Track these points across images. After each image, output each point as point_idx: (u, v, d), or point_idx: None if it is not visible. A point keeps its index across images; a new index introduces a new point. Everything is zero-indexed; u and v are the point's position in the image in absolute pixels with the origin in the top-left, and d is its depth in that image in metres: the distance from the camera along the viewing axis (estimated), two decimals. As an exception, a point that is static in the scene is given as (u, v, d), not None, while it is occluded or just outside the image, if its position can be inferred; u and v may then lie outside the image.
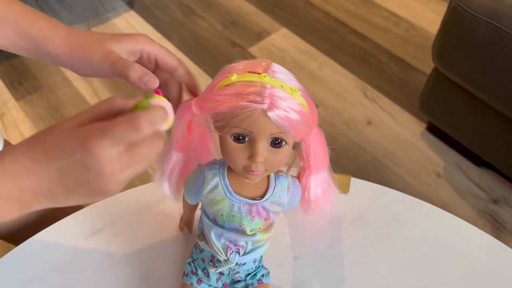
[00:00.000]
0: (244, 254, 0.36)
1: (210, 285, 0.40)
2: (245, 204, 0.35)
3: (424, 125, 1.22)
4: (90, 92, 1.35)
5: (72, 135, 0.28)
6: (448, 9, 0.91)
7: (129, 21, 1.57)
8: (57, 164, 0.27)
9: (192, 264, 0.40)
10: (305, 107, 0.31)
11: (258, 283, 0.39)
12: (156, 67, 0.39)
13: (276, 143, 0.31)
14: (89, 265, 0.44)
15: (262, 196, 0.35)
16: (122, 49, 0.37)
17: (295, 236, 0.47)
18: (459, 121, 1.05)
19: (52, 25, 0.39)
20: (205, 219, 0.37)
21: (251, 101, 0.29)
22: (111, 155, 0.27)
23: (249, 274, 0.40)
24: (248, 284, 0.39)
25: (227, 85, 0.31)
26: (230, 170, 0.35)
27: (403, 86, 1.34)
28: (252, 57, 1.43)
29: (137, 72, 0.35)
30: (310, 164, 0.37)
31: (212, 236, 0.35)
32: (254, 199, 0.35)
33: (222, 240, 0.36)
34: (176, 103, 0.38)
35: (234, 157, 0.32)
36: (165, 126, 0.30)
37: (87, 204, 0.51)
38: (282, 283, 0.43)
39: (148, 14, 1.60)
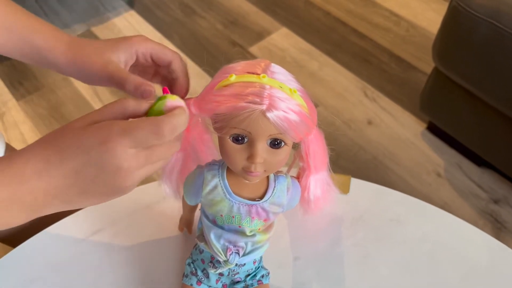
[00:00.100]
0: (244, 255, 0.36)
1: (210, 286, 0.40)
2: (245, 205, 0.35)
3: (425, 125, 1.22)
4: (91, 92, 1.35)
5: (88, 132, 0.27)
6: (449, 9, 0.90)
7: (129, 21, 1.57)
8: (72, 164, 0.27)
9: (191, 265, 0.40)
10: (304, 107, 0.31)
11: (258, 283, 0.39)
12: (154, 65, 0.40)
13: (275, 144, 0.31)
14: (89, 265, 0.44)
15: (261, 197, 0.35)
16: (119, 57, 0.38)
17: (295, 236, 0.47)
18: (459, 121, 1.05)
19: (55, 34, 0.40)
20: (204, 220, 0.37)
21: (250, 102, 0.29)
22: (129, 154, 0.27)
23: (249, 274, 0.39)
24: (248, 285, 0.39)
25: (226, 86, 0.31)
26: (229, 171, 0.35)
27: (403, 85, 1.33)
28: (252, 56, 1.43)
29: (132, 83, 0.35)
30: (309, 164, 0.37)
31: (212, 237, 0.35)
32: (254, 200, 0.35)
33: (222, 241, 0.35)
34: (184, 93, 0.39)
35: (233, 158, 0.32)
36: (184, 127, 0.29)
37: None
38: (282, 283, 0.43)
39: (149, 13, 1.60)
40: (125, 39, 0.39)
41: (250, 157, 0.31)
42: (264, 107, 0.29)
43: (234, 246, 0.35)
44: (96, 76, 0.38)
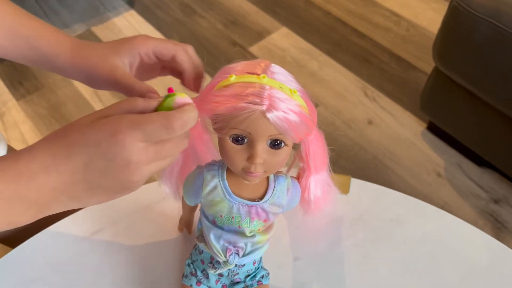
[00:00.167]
0: (244, 255, 0.36)
1: (210, 287, 0.40)
2: (244, 206, 0.35)
3: (425, 125, 1.22)
4: (90, 92, 1.35)
5: (97, 126, 0.27)
6: (449, 8, 0.90)
7: (129, 21, 1.57)
8: (80, 158, 0.27)
9: (191, 265, 0.40)
10: (304, 108, 0.31)
11: (257, 284, 0.39)
12: (159, 61, 0.40)
13: (275, 144, 0.31)
14: (89, 266, 0.44)
15: (261, 198, 0.35)
16: (123, 60, 0.38)
17: (295, 237, 0.47)
18: (459, 121, 1.05)
19: (59, 38, 0.40)
20: (204, 220, 0.37)
21: (250, 102, 0.29)
22: (139, 147, 0.27)
23: (248, 275, 0.39)
24: (247, 286, 0.39)
25: (226, 86, 0.31)
26: (229, 171, 0.35)
27: (403, 85, 1.33)
28: (252, 56, 1.42)
29: (138, 91, 0.35)
30: (309, 165, 0.37)
31: (211, 237, 0.35)
32: (254, 200, 0.35)
33: (221, 242, 0.35)
34: (197, 83, 0.40)
35: (233, 158, 0.32)
36: (194, 123, 0.30)
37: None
38: (282, 284, 0.43)
39: (149, 13, 1.60)
40: (126, 41, 0.39)
41: (250, 158, 0.31)
42: (264, 107, 0.29)
43: (234, 246, 0.35)
44: (102, 81, 0.38)
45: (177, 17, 1.59)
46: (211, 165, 0.35)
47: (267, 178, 0.36)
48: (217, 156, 0.37)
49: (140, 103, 0.29)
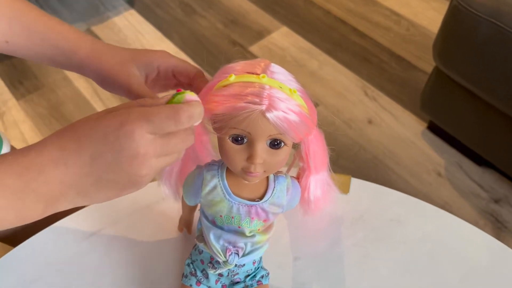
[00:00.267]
0: (243, 255, 0.36)
1: (209, 287, 0.40)
2: (244, 206, 0.35)
3: (425, 124, 1.22)
4: (91, 91, 1.35)
5: (106, 119, 0.27)
6: (450, 8, 0.90)
7: (129, 20, 1.57)
8: (88, 151, 0.27)
9: (191, 265, 0.40)
10: (304, 108, 0.31)
11: (257, 284, 0.39)
12: (176, 79, 0.41)
13: (275, 144, 0.31)
14: (89, 266, 0.44)
15: (261, 197, 0.35)
16: (141, 70, 0.39)
17: (295, 236, 0.47)
18: (460, 120, 1.05)
19: (79, 37, 0.40)
20: (204, 220, 0.37)
21: (249, 102, 0.29)
22: (146, 139, 0.27)
23: (248, 275, 0.39)
24: (247, 285, 0.39)
25: (225, 86, 0.31)
26: (229, 171, 0.34)
27: (404, 85, 1.33)
28: (252, 56, 1.42)
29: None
30: (309, 164, 0.37)
31: (211, 237, 0.35)
32: (253, 200, 0.35)
33: (221, 242, 0.35)
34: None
35: (232, 158, 0.32)
36: (199, 120, 0.30)
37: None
38: (282, 284, 0.43)
39: (149, 12, 1.60)
40: (147, 52, 0.40)
41: (250, 158, 0.31)
42: (263, 107, 0.29)
43: (234, 246, 0.35)
44: (116, 85, 0.38)
45: (177, 16, 1.59)
46: (210, 165, 0.35)
47: (267, 178, 0.35)
48: (217, 156, 0.37)
49: (149, 101, 0.29)
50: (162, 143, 0.28)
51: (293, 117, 0.30)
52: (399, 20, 1.53)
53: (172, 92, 0.31)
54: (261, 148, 0.31)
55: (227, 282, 0.40)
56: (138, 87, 0.37)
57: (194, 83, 0.40)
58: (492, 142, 1.00)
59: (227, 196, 0.34)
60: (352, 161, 1.15)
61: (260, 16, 1.57)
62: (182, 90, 0.30)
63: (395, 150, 1.17)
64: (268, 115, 0.29)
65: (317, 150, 0.36)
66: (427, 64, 1.37)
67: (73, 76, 1.40)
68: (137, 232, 0.47)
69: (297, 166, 0.39)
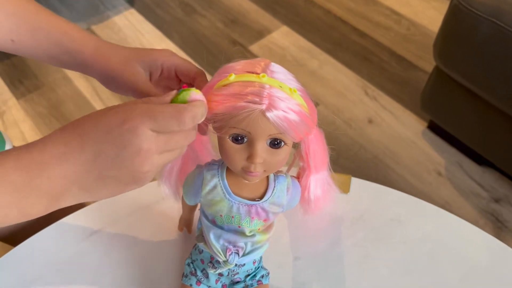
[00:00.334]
0: (244, 255, 0.36)
1: (209, 286, 0.39)
2: (244, 205, 0.34)
3: (425, 124, 1.22)
4: (91, 90, 1.35)
5: (110, 113, 0.28)
6: (450, 7, 0.90)
7: (129, 19, 1.57)
8: (91, 146, 0.27)
9: (191, 265, 0.40)
10: (304, 107, 0.31)
11: (257, 284, 0.39)
12: (178, 80, 0.41)
13: (275, 143, 0.31)
14: (89, 265, 0.44)
15: (261, 197, 0.35)
16: (145, 68, 0.39)
17: (295, 236, 0.47)
18: (460, 120, 1.05)
19: (83, 36, 0.40)
20: (204, 220, 0.37)
21: (249, 102, 0.29)
22: (149, 135, 0.27)
23: (248, 275, 0.39)
24: (247, 285, 0.39)
25: (225, 85, 0.31)
26: (229, 170, 0.34)
27: (404, 84, 1.33)
28: (252, 55, 1.42)
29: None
30: (309, 164, 0.37)
31: (211, 237, 0.35)
32: (253, 200, 0.35)
33: (221, 241, 0.35)
34: None
35: (232, 158, 0.32)
36: (202, 119, 0.30)
37: (88, 203, 0.51)
38: (282, 283, 0.43)
39: (149, 12, 1.60)
40: (151, 51, 0.40)
41: (250, 157, 0.31)
42: (263, 106, 0.29)
43: (234, 246, 0.35)
44: (121, 84, 0.39)
45: (177, 16, 1.59)
46: (210, 164, 0.35)
47: (267, 177, 0.35)
48: (216, 155, 0.37)
49: (154, 99, 0.29)
50: (165, 140, 0.28)
51: (293, 116, 0.30)
52: (399, 20, 1.53)
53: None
54: (261, 147, 0.31)
55: (227, 282, 0.40)
56: (144, 86, 0.37)
57: (194, 83, 0.40)
58: (492, 142, 1.00)
59: (227, 196, 0.34)
60: (352, 160, 1.15)
61: (260, 16, 1.57)
62: (188, 87, 0.30)
63: (396, 150, 1.17)
64: (268, 114, 0.29)
65: (317, 149, 0.36)
66: (428, 63, 1.37)
67: (73, 75, 1.40)
68: (137, 232, 0.47)
69: (297, 165, 0.39)
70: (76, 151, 0.27)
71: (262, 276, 0.40)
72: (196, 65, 0.41)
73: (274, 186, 0.35)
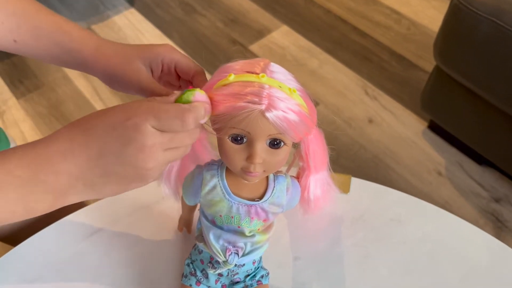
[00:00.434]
0: (243, 255, 0.36)
1: (209, 286, 0.39)
2: (244, 205, 0.34)
3: (426, 124, 1.22)
4: (91, 90, 1.35)
5: (115, 110, 0.28)
6: (450, 7, 0.90)
7: (129, 19, 1.57)
8: (96, 142, 0.27)
9: (191, 265, 0.40)
10: (304, 107, 0.31)
11: (257, 284, 0.39)
12: (178, 77, 0.41)
13: (275, 144, 0.31)
14: (89, 265, 0.44)
15: (261, 197, 0.35)
16: (146, 64, 0.39)
17: (295, 236, 0.47)
18: (460, 120, 1.05)
19: (84, 35, 0.40)
20: (203, 220, 0.36)
21: (249, 102, 0.29)
22: (153, 132, 0.27)
23: (248, 275, 0.39)
24: (247, 285, 0.39)
25: (224, 85, 0.31)
26: (228, 171, 0.34)
27: (404, 84, 1.33)
28: (252, 55, 1.42)
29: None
30: (309, 164, 0.37)
31: (211, 237, 0.35)
32: (253, 200, 0.35)
33: (221, 242, 0.35)
34: None
35: (232, 158, 0.31)
36: (206, 119, 0.30)
37: (89, 203, 0.51)
38: (282, 283, 0.43)
39: (149, 11, 1.60)
40: (152, 47, 0.40)
41: (249, 157, 0.31)
42: (263, 107, 0.29)
43: (233, 246, 0.35)
44: (124, 83, 0.38)
45: (177, 15, 1.58)
46: (210, 164, 0.35)
47: (267, 177, 0.35)
48: (216, 156, 0.37)
49: (158, 99, 0.29)
50: (169, 137, 0.28)
51: (292, 116, 0.30)
52: (399, 19, 1.53)
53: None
54: (261, 147, 0.31)
55: (227, 282, 0.40)
56: (147, 83, 0.37)
57: (193, 81, 0.39)
58: (492, 141, 1.00)
59: (227, 196, 0.34)
60: (352, 160, 1.15)
61: (260, 15, 1.57)
62: (192, 87, 0.30)
63: (396, 150, 1.17)
64: (268, 114, 0.29)
65: (317, 149, 0.36)
66: (428, 63, 1.37)
67: (73, 75, 1.40)
68: (137, 232, 0.47)
69: (297, 165, 0.39)
70: (81, 147, 0.27)
71: (262, 276, 0.40)
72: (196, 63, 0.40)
73: (274, 186, 0.35)
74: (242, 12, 1.59)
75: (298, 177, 0.39)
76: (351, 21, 1.53)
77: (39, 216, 0.56)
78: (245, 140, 0.31)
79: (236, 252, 0.35)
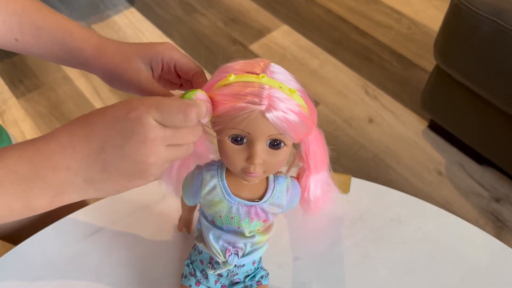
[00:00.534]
0: (243, 256, 0.36)
1: (209, 287, 0.39)
2: (244, 206, 0.34)
3: (426, 123, 1.22)
4: (90, 89, 1.35)
5: (117, 105, 0.28)
6: (451, 6, 0.90)
7: (129, 18, 1.57)
8: (97, 137, 0.27)
9: (190, 265, 0.40)
10: (304, 108, 0.31)
11: (257, 284, 0.39)
12: (178, 76, 0.41)
13: (275, 144, 0.31)
14: (89, 265, 0.44)
15: (261, 198, 0.35)
16: (146, 63, 0.39)
17: (295, 236, 0.47)
18: (461, 119, 1.05)
19: (85, 34, 0.40)
20: (203, 220, 0.36)
21: (249, 102, 0.29)
22: (155, 125, 0.27)
23: (248, 275, 0.39)
24: (247, 286, 0.39)
25: (225, 86, 0.31)
26: (228, 171, 0.34)
27: (404, 83, 1.33)
28: (253, 54, 1.42)
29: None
30: (309, 165, 0.37)
31: (211, 237, 0.35)
32: (253, 200, 0.35)
33: (221, 242, 0.35)
34: None
35: (232, 158, 0.31)
36: (207, 119, 0.30)
37: (89, 203, 0.51)
38: (282, 284, 0.43)
39: (149, 11, 1.60)
40: (152, 45, 0.39)
41: (249, 158, 0.31)
42: (263, 107, 0.29)
43: (233, 247, 0.35)
44: (124, 82, 0.38)
45: (177, 15, 1.58)
46: (210, 165, 0.35)
47: (267, 178, 0.35)
48: (216, 156, 0.37)
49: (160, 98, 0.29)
50: (171, 132, 0.28)
51: (292, 117, 0.30)
52: (400, 19, 1.53)
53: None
54: (261, 148, 0.31)
55: (226, 283, 0.40)
56: (147, 83, 0.37)
57: (193, 81, 0.39)
58: (493, 141, 1.00)
59: (227, 197, 0.34)
60: (353, 160, 1.15)
61: (260, 15, 1.57)
62: (193, 88, 0.30)
63: (396, 149, 1.17)
64: (268, 115, 0.29)
65: (317, 150, 0.36)
66: (428, 62, 1.37)
67: (73, 74, 1.40)
68: (137, 232, 0.47)
69: (297, 166, 0.39)
70: (81, 141, 0.27)
71: (262, 277, 0.40)
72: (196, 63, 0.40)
73: (274, 187, 0.35)
74: (242, 11, 1.58)
75: (298, 178, 0.39)
76: (351, 20, 1.53)
77: (39, 214, 0.56)
78: (245, 140, 0.31)
79: (236, 252, 0.35)
